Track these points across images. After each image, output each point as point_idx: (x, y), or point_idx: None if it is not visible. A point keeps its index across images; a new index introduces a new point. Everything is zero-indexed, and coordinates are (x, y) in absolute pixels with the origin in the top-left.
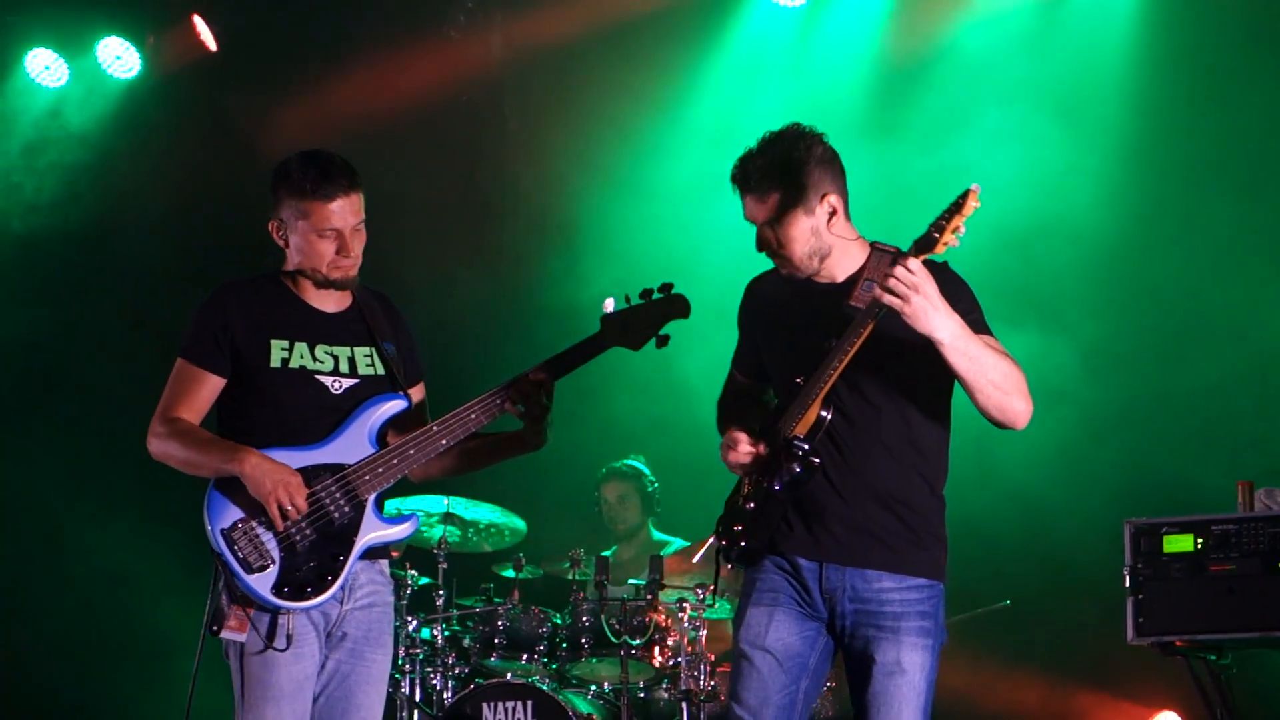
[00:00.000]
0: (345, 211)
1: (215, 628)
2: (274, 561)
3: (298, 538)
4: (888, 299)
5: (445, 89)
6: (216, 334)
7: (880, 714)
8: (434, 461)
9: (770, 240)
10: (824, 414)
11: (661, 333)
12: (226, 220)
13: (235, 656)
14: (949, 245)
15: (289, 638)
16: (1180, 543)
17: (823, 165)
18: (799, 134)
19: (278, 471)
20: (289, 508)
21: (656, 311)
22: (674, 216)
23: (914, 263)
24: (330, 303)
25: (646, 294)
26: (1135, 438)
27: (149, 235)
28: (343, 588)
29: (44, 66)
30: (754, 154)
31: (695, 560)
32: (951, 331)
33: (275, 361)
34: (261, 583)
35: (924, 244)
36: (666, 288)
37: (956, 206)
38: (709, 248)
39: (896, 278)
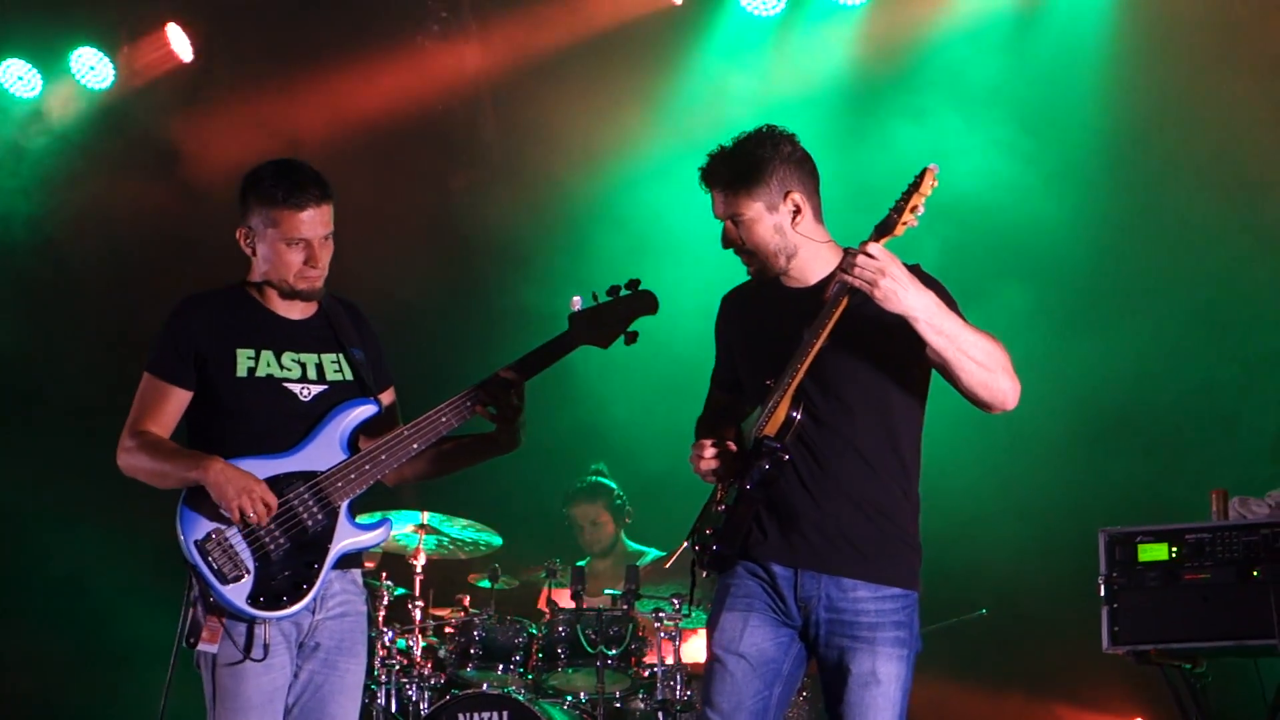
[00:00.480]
0: (315, 222)
1: (191, 640)
2: (248, 571)
3: (271, 546)
4: (856, 284)
5: (420, 97)
6: (181, 347)
7: None
8: (408, 465)
9: (734, 236)
10: (793, 414)
11: (630, 329)
12: (200, 232)
13: (206, 667)
14: (908, 225)
15: (265, 647)
16: (1155, 551)
17: (789, 164)
18: (769, 133)
19: (241, 478)
20: (251, 514)
21: (625, 308)
22: (649, 223)
23: (875, 246)
24: (296, 310)
25: (614, 291)
26: (1110, 446)
27: (121, 247)
28: (317, 596)
29: (17, 77)
30: (723, 151)
31: (668, 566)
32: (925, 307)
33: (242, 371)
34: (237, 593)
35: (884, 226)
36: (634, 284)
37: (915, 186)
38: (685, 254)
39: (861, 263)
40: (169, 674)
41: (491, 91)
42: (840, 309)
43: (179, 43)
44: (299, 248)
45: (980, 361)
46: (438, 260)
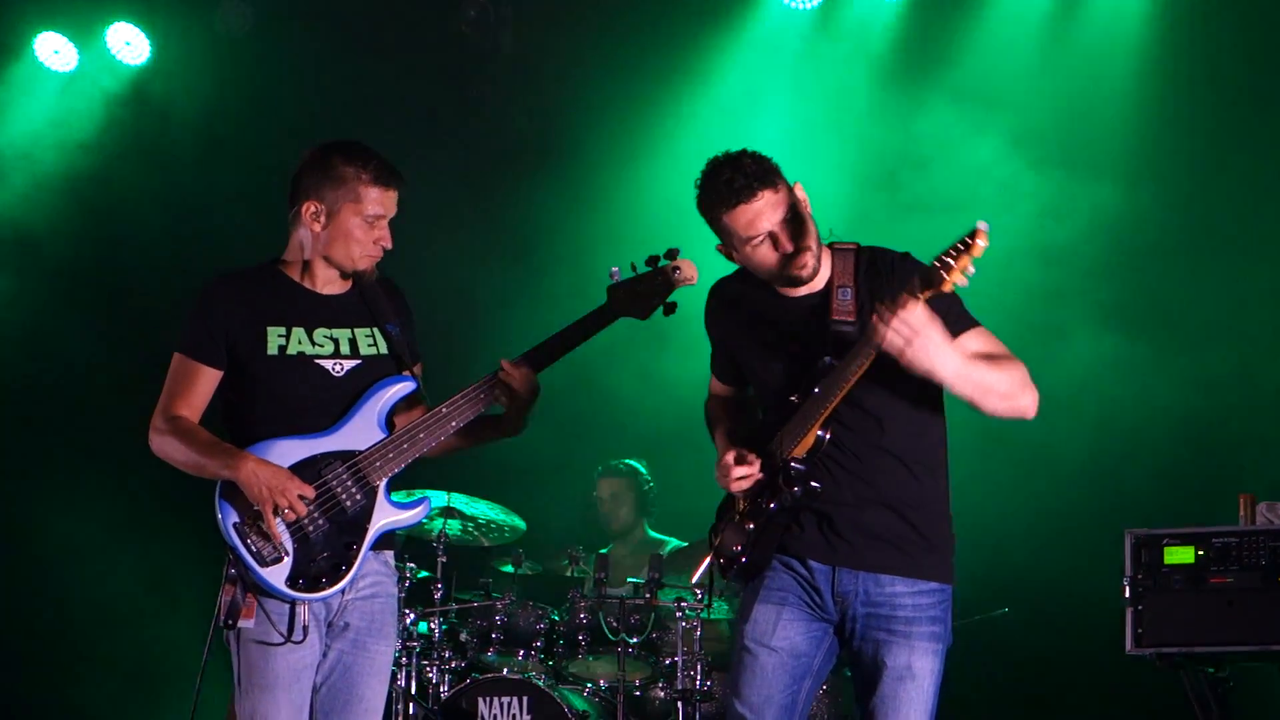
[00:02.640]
0: (392, 203)
1: (231, 622)
2: (288, 553)
3: (310, 528)
4: (889, 345)
5: (454, 84)
6: (211, 326)
7: (888, 718)
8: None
9: (785, 241)
10: (822, 434)
11: (669, 300)
12: (234, 212)
13: (234, 643)
14: (956, 285)
15: (305, 629)
16: (1181, 554)
17: None
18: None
19: (273, 477)
20: (286, 512)
21: (663, 278)
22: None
23: (920, 310)
24: (331, 285)
25: (653, 261)
26: (1139, 448)
27: (156, 228)
28: (356, 577)
29: (53, 50)
30: (732, 162)
31: (694, 580)
32: (954, 369)
33: (273, 349)
34: (276, 575)
35: (930, 279)
36: (673, 254)
37: (965, 246)
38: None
39: (895, 326)
40: (204, 656)
41: (526, 79)
42: (875, 352)
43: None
44: (375, 225)
45: (1002, 393)
46: (472, 240)
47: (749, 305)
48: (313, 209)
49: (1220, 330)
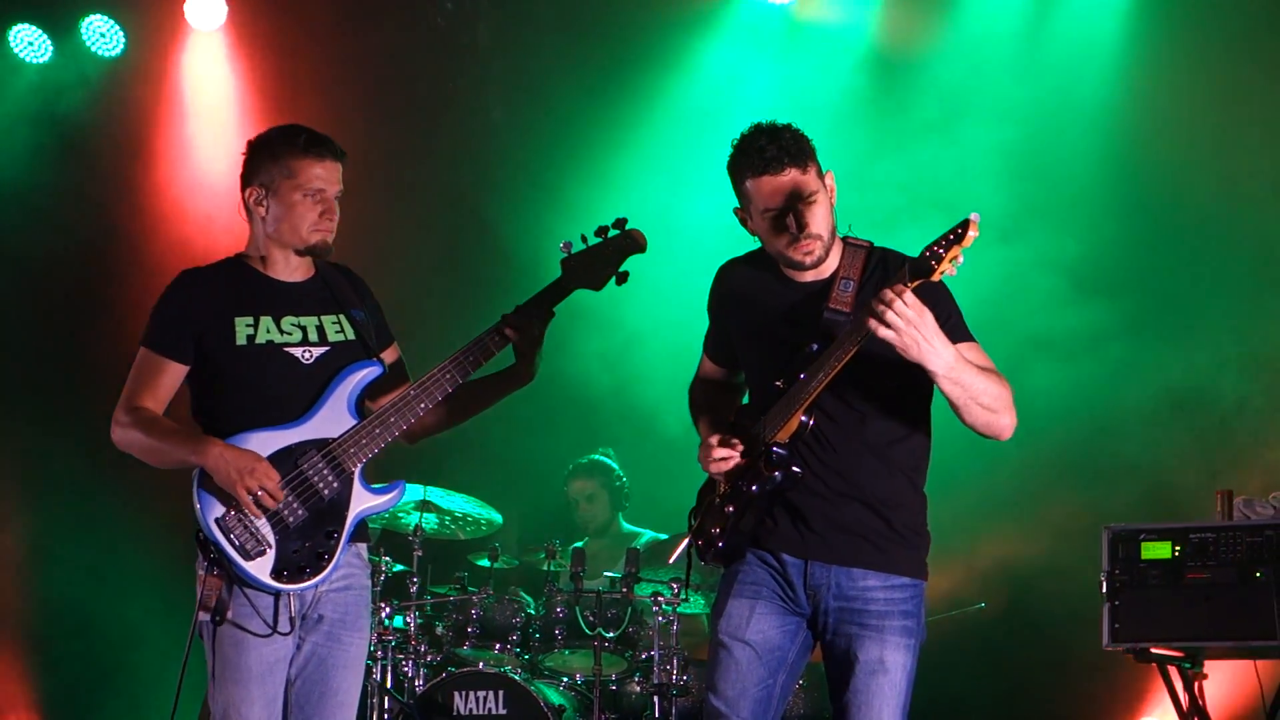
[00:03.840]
0: (331, 175)
1: (218, 618)
2: (270, 545)
3: (290, 519)
4: (882, 332)
5: (430, 76)
6: (177, 320)
7: (861, 712)
8: (428, 416)
9: (805, 219)
10: (805, 419)
11: (621, 270)
12: (208, 203)
13: (208, 636)
14: (946, 274)
15: (291, 621)
16: (1158, 550)
17: None
18: (780, 123)
19: (240, 459)
20: (259, 493)
21: (614, 248)
22: (654, 203)
23: (910, 296)
24: (295, 273)
25: (602, 231)
26: (1116, 443)
27: (130, 218)
28: (338, 565)
29: (27, 42)
30: (770, 133)
31: (671, 561)
32: (945, 363)
33: (241, 339)
34: (260, 568)
35: (920, 269)
36: (621, 223)
37: (956, 236)
38: (687, 234)
39: (894, 312)
40: (186, 650)
41: (501, 72)
42: (862, 340)
43: (194, 12)
44: (315, 199)
45: (986, 405)
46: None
47: (752, 286)
48: (255, 194)
49: (1199, 326)
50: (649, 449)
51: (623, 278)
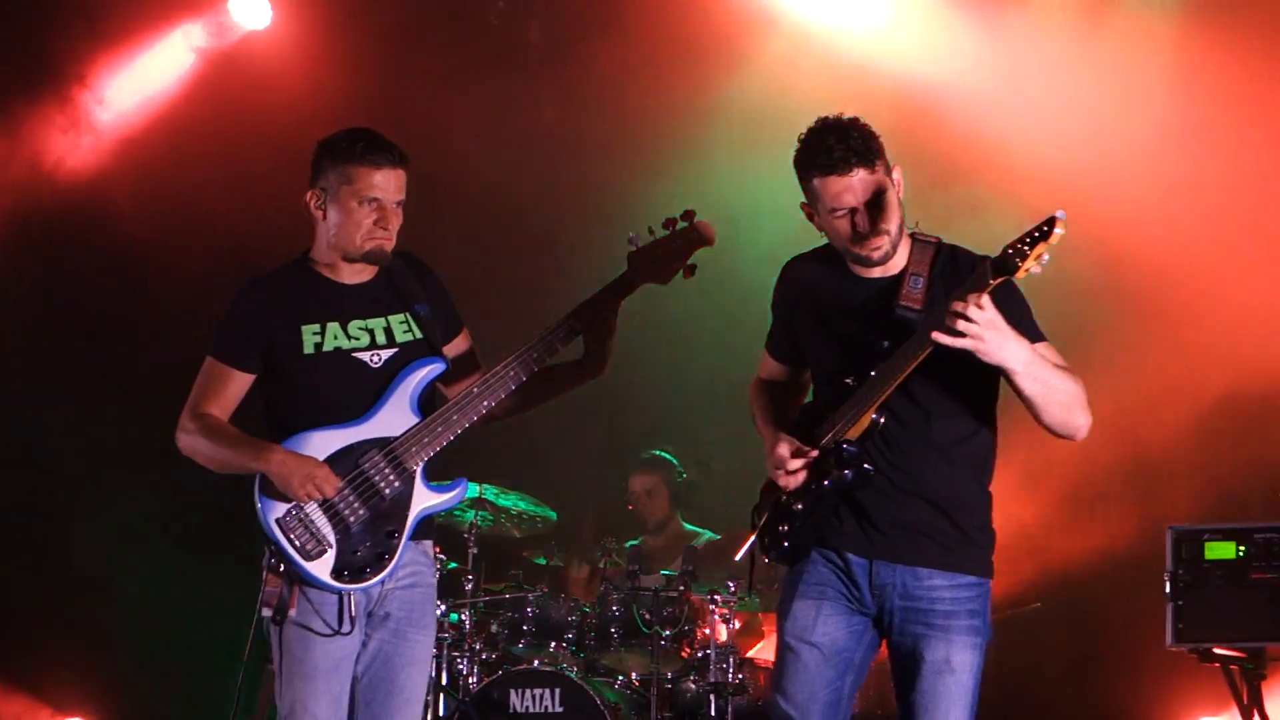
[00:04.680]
0: (389, 183)
1: (280, 617)
2: (330, 545)
3: (351, 518)
4: (959, 342)
5: (483, 73)
6: (243, 331)
7: (928, 713)
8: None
9: (864, 221)
10: (876, 418)
11: (689, 263)
12: (264, 207)
13: (274, 634)
14: (1030, 272)
15: (353, 620)
16: (1222, 550)
17: None
18: (848, 117)
19: (302, 466)
20: (317, 496)
21: (681, 241)
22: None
23: (985, 300)
24: (360, 274)
25: (670, 223)
26: (1182, 443)
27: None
28: (398, 566)
29: None
30: (839, 131)
31: (737, 559)
32: (1024, 360)
33: (309, 348)
34: (320, 568)
35: (1003, 266)
36: (689, 215)
37: (1042, 234)
38: (744, 234)
39: (966, 320)
40: (248, 648)
41: (553, 70)
42: (932, 346)
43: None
44: (371, 207)
45: (1063, 403)
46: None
47: (819, 282)
48: (315, 198)
49: (1262, 324)
50: (711, 448)
51: (690, 270)
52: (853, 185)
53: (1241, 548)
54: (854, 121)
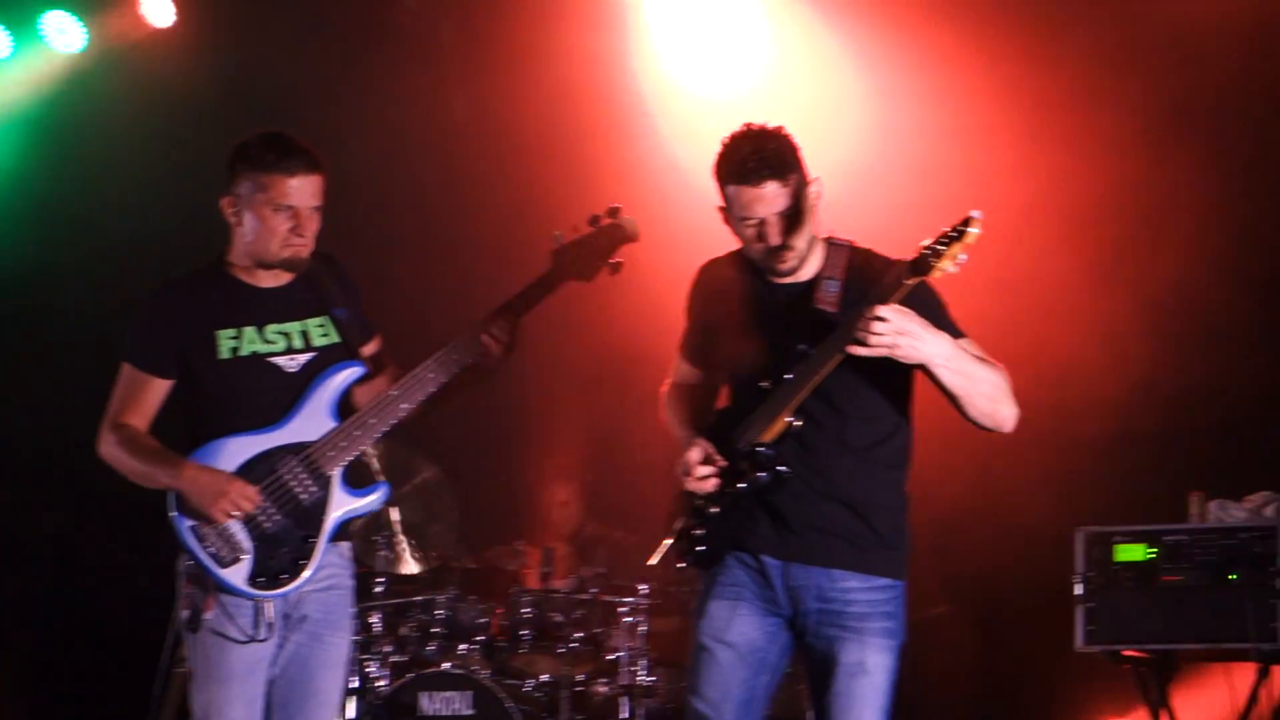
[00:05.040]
0: (304, 190)
1: (193, 626)
2: (246, 552)
3: (267, 524)
4: (874, 352)
5: (393, 74)
6: (158, 337)
7: (843, 714)
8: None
9: (779, 231)
10: (792, 421)
11: (614, 260)
12: (171, 203)
13: (190, 638)
14: (946, 272)
15: (270, 625)
16: (1132, 552)
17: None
18: (770, 127)
19: (212, 482)
20: (231, 515)
21: (606, 238)
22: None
23: (885, 310)
24: (277, 278)
25: (594, 220)
26: (1091, 443)
27: (94, 216)
28: (316, 570)
29: None
30: (756, 142)
31: (652, 562)
32: (944, 354)
33: (225, 353)
34: (235, 575)
35: (919, 267)
36: (614, 211)
37: (957, 233)
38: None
39: (876, 331)
40: (164, 656)
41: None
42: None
43: (152, 7)
44: (286, 215)
45: (988, 395)
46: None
47: (734, 287)
48: (230, 204)
49: (1170, 327)
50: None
51: (616, 268)
52: (763, 196)
53: (1151, 550)
54: (773, 132)
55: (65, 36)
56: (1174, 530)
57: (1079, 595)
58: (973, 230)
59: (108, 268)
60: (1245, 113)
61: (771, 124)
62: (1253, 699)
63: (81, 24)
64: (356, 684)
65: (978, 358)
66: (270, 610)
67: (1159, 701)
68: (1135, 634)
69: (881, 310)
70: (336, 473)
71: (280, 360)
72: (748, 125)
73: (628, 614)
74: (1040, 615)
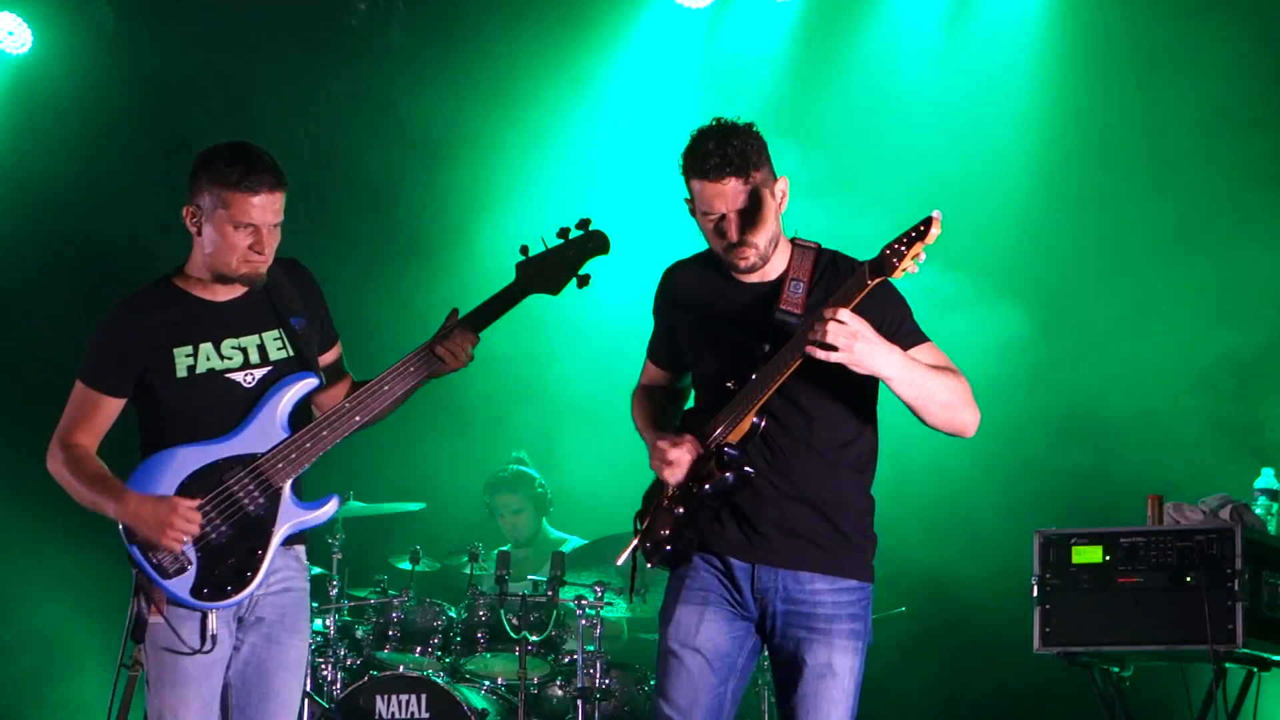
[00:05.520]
0: (266, 208)
1: (138, 635)
2: (191, 563)
3: (213, 535)
4: (829, 356)
5: (342, 78)
6: (113, 356)
7: (810, 716)
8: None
9: (738, 228)
10: (757, 421)
11: (581, 272)
12: (121, 209)
13: (146, 641)
14: (908, 271)
15: (213, 638)
16: (1089, 554)
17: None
18: (741, 122)
19: (155, 513)
20: (179, 543)
21: (574, 250)
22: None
23: (845, 313)
24: (233, 290)
25: (564, 233)
26: (1046, 447)
27: (38, 224)
28: (263, 582)
29: None
30: (720, 137)
31: (620, 563)
32: (896, 367)
33: (182, 371)
34: (180, 586)
35: (879, 268)
36: (584, 224)
37: (919, 234)
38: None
39: (832, 330)
40: (117, 664)
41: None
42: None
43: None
44: (247, 232)
45: (945, 403)
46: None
47: (700, 288)
48: (191, 214)
49: (1127, 331)
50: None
51: (583, 281)
52: (724, 193)
53: (1108, 552)
54: (739, 128)
55: (14, 39)
56: (1130, 533)
57: (1036, 597)
58: (934, 230)
59: (55, 270)
60: None
61: (741, 120)
62: (1209, 701)
63: (30, 26)
64: (311, 687)
65: (935, 366)
66: (214, 621)
67: (1116, 704)
68: (1092, 636)
69: (841, 314)
70: (287, 485)
71: (237, 376)
72: (717, 120)
73: (583, 616)
74: (997, 616)
